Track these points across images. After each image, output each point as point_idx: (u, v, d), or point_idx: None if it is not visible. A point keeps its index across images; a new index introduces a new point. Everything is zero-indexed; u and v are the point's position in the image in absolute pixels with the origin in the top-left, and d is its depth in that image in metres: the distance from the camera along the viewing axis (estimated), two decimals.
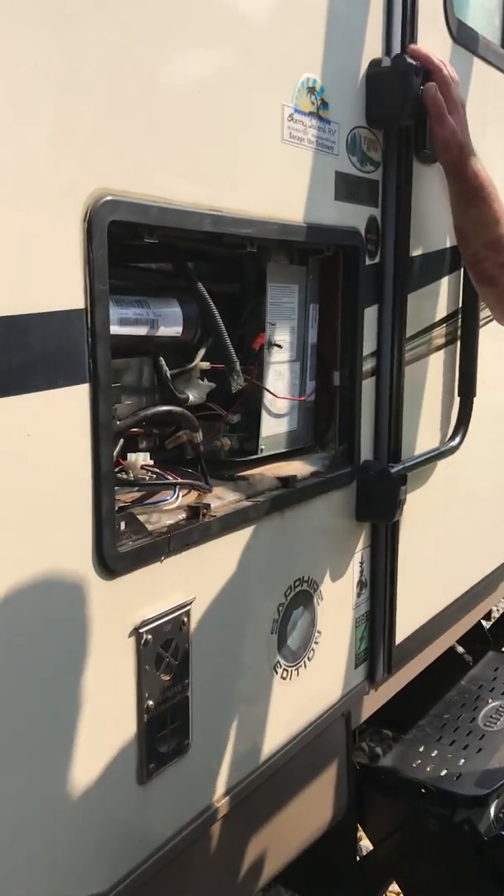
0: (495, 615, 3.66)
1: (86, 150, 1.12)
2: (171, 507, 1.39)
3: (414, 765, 2.15)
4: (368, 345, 1.86)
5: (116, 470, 1.43)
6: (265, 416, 1.68)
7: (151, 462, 1.44)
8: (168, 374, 1.46)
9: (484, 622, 3.13)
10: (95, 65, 1.11)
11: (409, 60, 1.69)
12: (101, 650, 1.23)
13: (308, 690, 1.78)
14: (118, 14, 1.14)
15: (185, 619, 1.39)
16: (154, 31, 1.19)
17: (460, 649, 2.87)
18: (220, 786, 1.55)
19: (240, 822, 1.63)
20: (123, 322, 1.33)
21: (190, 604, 1.39)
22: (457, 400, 2.23)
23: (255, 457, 1.69)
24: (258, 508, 1.54)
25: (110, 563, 1.22)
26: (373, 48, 1.72)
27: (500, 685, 2.56)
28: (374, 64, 1.70)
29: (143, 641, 1.30)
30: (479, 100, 2.16)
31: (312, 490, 1.73)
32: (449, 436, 2.20)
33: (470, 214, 1.79)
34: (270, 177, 1.48)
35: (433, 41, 1.90)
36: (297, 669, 1.73)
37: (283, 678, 1.69)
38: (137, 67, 1.18)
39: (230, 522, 1.47)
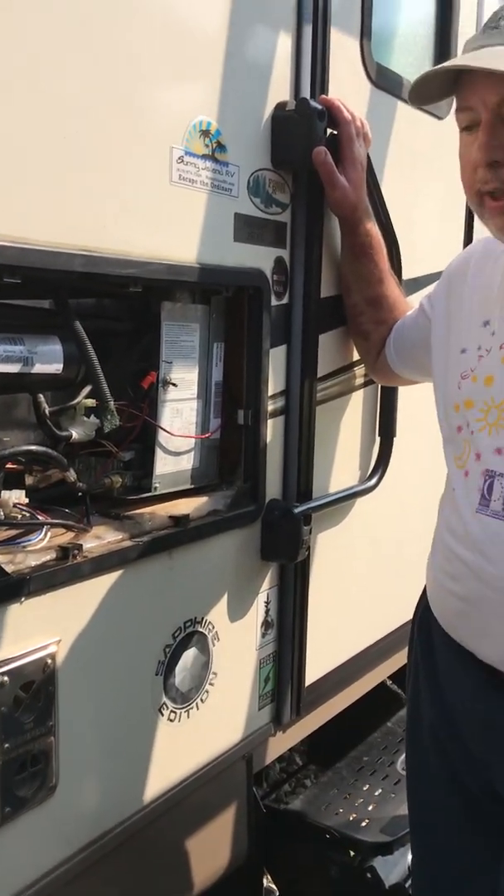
0: None
1: None
2: (38, 548, 1.38)
3: (323, 809, 2.12)
4: (278, 384, 1.85)
5: None
6: (160, 454, 1.68)
7: (26, 500, 1.43)
8: (46, 411, 1.45)
9: None
10: None
11: (314, 105, 1.70)
12: None
13: (201, 732, 1.75)
14: None
15: (50, 661, 1.37)
16: (13, 67, 1.20)
17: (395, 688, 2.84)
18: (96, 829, 1.53)
19: (121, 866, 1.61)
20: None
21: (54, 645, 1.38)
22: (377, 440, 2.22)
23: (149, 494, 1.68)
24: (139, 549, 1.52)
25: None
26: (281, 91, 1.73)
27: None
28: (280, 107, 1.71)
29: None
30: (407, 141, 2.18)
31: (209, 529, 1.71)
32: (367, 476, 2.18)
33: (355, 268, 1.87)
34: (156, 218, 1.48)
35: (349, 85, 1.91)
36: (188, 711, 1.71)
37: (171, 720, 1.67)
38: None
39: (105, 563, 1.45)
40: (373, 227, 1.86)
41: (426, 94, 1.42)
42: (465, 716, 1.53)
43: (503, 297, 1.49)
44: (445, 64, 1.36)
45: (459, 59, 1.36)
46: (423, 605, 1.68)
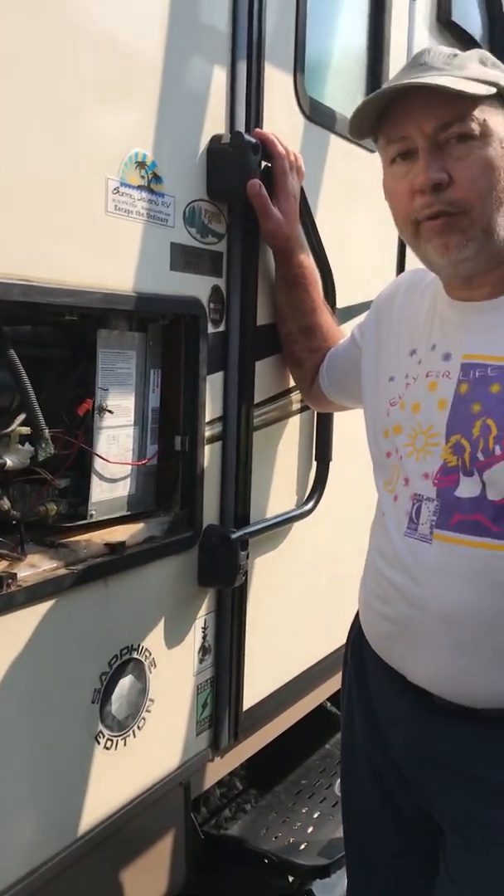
0: None
1: None
2: None
3: (262, 833, 2.12)
4: (215, 410, 1.87)
5: None
6: (96, 481, 1.67)
7: None
8: None
9: None
10: None
11: (248, 138, 1.74)
12: None
13: (138, 760, 1.75)
14: None
15: None
16: None
17: (333, 710, 2.86)
18: (30, 862, 1.50)
19: None
20: None
21: None
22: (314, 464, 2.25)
23: (85, 522, 1.68)
24: (75, 577, 1.52)
25: None
26: (217, 124, 1.77)
27: None
28: (215, 140, 1.74)
29: None
30: (340, 174, 2.24)
31: (146, 555, 1.71)
32: (304, 500, 2.21)
33: (289, 298, 1.91)
34: (93, 247, 1.49)
35: (283, 119, 1.96)
36: (125, 739, 1.70)
37: (107, 748, 1.66)
38: None
39: (40, 592, 1.45)
40: (306, 258, 1.90)
41: (359, 127, 1.47)
42: (398, 739, 1.55)
43: (429, 327, 1.54)
44: (393, 83, 1.37)
45: (396, 82, 1.38)
46: (356, 628, 1.71)
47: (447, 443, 1.43)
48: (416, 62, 1.41)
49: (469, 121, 1.35)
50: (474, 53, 1.42)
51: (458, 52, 1.40)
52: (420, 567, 1.44)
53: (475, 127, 1.35)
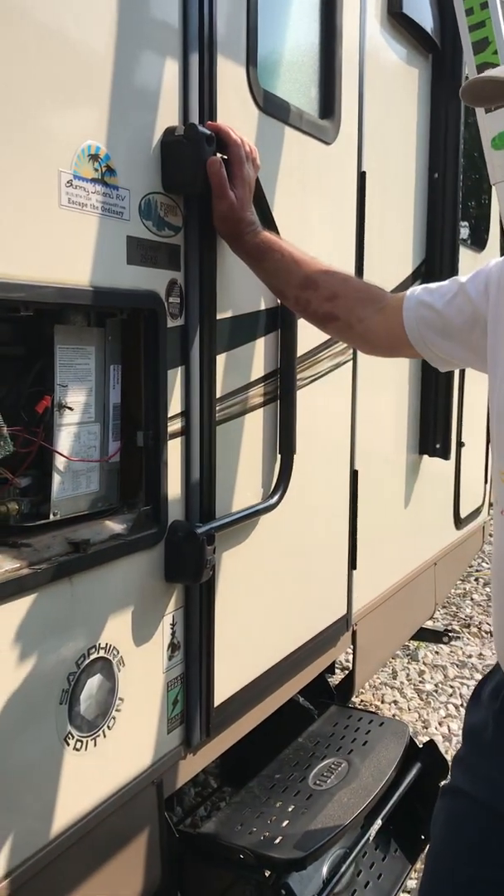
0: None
1: None
2: None
3: (237, 829, 2.11)
4: (176, 405, 1.86)
5: None
6: (57, 479, 1.65)
7: None
8: None
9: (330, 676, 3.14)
10: None
11: (202, 130, 1.73)
12: None
13: (108, 760, 1.73)
14: None
15: None
16: None
17: (305, 703, 2.86)
18: (2, 866, 1.48)
19: None
20: None
21: None
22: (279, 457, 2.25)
23: (48, 521, 1.65)
24: (39, 576, 1.50)
25: None
26: (170, 116, 1.75)
27: (336, 741, 2.56)
28: (169, 132, 1.73)
29: None
30: (294, 165, 2.23)
31: (111, 553, 1.70)
32: (269, 493, 2.21)
33: (265, 268, 1.85)
34: (47, 241, 1.47)
35: (236, 110, 1.95)
36: (95, 739, 1.68)
37: (77, 749, 1.64)
38: None
39: (3, 592, 1.42)
40: (262, 232, 1.84)
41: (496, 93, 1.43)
42: None
43: None
44: None
45: None
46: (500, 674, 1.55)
47: None
48: None
49: None
50: None
51: None
52: None
53: None
